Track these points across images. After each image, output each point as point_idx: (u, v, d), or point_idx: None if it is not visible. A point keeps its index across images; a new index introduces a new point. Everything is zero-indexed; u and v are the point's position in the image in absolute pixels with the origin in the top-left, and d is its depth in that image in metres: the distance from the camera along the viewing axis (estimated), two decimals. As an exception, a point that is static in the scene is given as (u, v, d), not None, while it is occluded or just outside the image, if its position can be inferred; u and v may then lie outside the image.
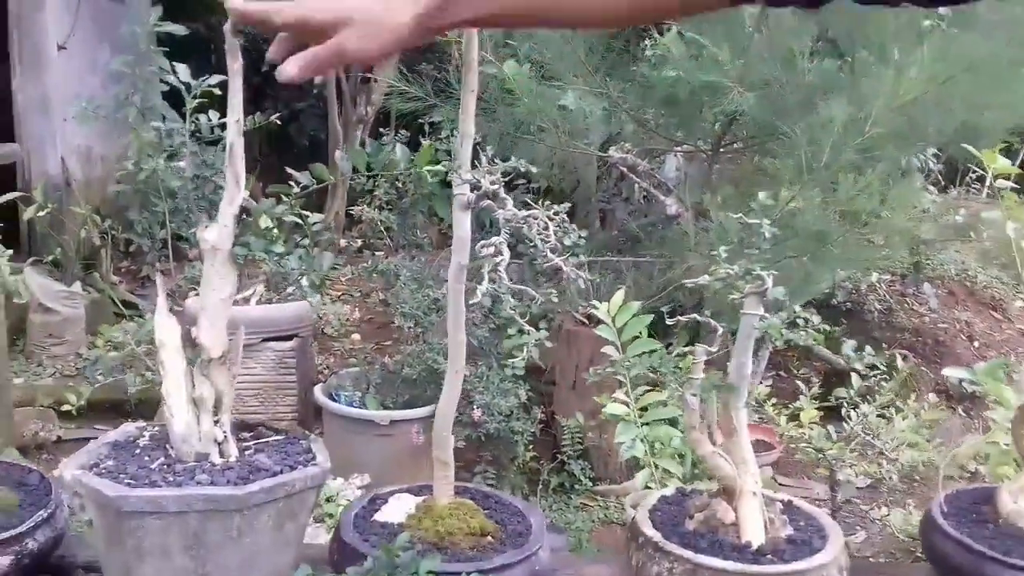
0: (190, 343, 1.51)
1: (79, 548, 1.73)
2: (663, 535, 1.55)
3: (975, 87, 2.93)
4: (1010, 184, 3.28)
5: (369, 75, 5.33)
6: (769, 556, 1.50)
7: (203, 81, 2.15)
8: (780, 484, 3.36)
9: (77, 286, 4.52)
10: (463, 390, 3.01)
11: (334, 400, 3.19)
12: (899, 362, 2.89)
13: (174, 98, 4.23)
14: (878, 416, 2.37)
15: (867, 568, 2.08)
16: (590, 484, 3.32)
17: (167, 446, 1.54)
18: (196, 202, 3.59)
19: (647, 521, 1.60)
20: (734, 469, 1.58)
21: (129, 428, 1.64)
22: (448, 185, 3.69)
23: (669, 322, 1.65)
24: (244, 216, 1.49)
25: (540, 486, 3.25)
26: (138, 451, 1.56)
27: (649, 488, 1.90)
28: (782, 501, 1.66)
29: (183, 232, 4.13)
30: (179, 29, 4.36)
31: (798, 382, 3.64)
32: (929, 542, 1.67)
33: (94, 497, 1.42)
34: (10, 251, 3.30)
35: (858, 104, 3.02)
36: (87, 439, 1.63)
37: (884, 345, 4.14)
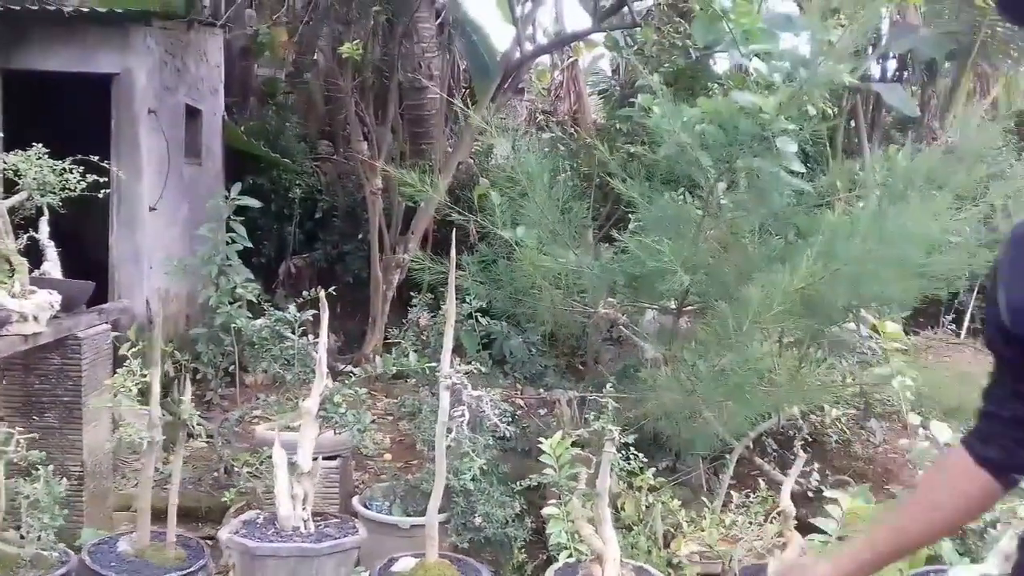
0: (291, 464, 3.09)
1: (216, 586, 3.29)
2: (558, 584, 3.05)
3: (855, 276, 4.45)
4: (897, 346, 4.79)
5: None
6: (616, 594, 2.99)
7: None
8: None
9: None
10: (469, 501, 4.53)
11: (367, 508, 4.72)
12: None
13: (245, 255, 6.03)
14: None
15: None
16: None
17: (275, 522, 3.10)
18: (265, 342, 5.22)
19: (551, 576, 3.11)
20: (603, 545, 3.08)
21: (251, 514, 3.22)
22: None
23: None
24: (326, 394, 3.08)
25: (528, 582, 4.69)
26: (258, 525, 3.13)
27: (567, 561, 3.39)
28: (635, 566, 3.15)
29: (250, 365, 5.78)
30: (253, 202, 6.11)
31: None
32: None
33: (239, 548, 2.99)
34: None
35: (769, 288, 4.56)
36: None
37: (835, 473, 5.58)
